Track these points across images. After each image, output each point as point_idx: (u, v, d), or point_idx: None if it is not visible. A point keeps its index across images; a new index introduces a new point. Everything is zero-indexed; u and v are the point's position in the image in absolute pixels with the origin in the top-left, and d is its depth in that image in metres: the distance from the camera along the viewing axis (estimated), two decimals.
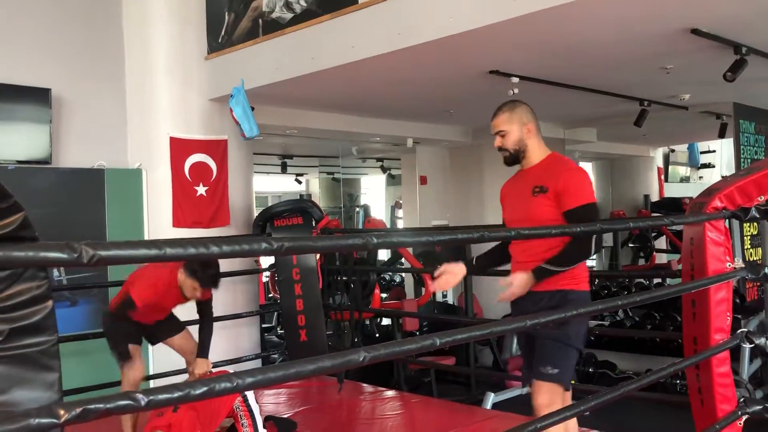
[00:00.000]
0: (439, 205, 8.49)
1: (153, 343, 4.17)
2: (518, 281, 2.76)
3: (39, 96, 5.10)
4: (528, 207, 2.90)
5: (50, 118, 5.14)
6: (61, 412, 1.10)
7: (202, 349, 3.88)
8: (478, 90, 5.60)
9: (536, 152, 2.97)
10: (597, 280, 8.53)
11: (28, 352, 1.15)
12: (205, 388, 1.31)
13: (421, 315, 6.36)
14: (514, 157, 3.00)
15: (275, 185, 13.80)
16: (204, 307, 3.93)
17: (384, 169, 11.58)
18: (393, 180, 12.83)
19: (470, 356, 6.67)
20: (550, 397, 2.75)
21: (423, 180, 8.36)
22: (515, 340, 7.50)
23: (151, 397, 1.23)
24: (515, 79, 5.10)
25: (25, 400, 1.16)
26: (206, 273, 3.60)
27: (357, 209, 12.82)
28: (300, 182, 14.17)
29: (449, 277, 2.88)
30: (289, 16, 4.92)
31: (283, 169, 11.13)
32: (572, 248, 2.73)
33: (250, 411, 3.65)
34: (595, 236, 2.75)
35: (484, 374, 5.89)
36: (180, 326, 4.03)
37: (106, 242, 1.22)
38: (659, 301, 7.53)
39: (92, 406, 1.15)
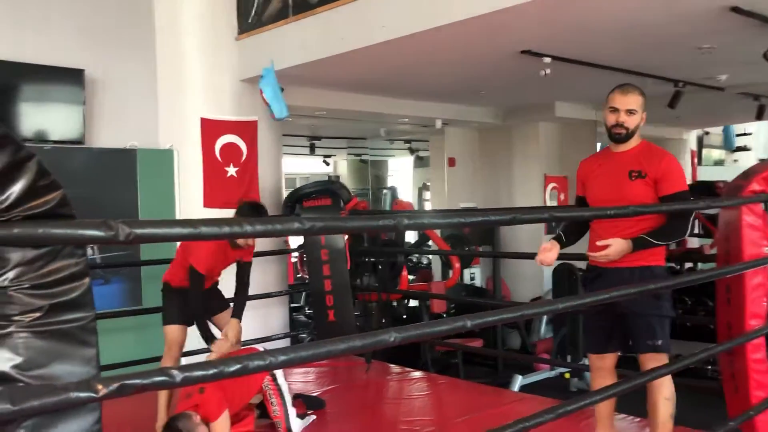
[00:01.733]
0: (468, 187, 8.45)
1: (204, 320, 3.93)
2: (617, 246, 2.88)
3: (73, 77, 5.16)
4: (623, 189, 2.99)
5: (83, 98, 5.20)
6: (99, 386, 1.12)
7: (237, 311, 3.91)
8: (510, 71, 5.54)
9: (636, 139, 3.07)
10: None
11: (67, 327, 1.16)
12: (238, 365, 1.33)
13: (448, 297, 6.36)
14: (628, 138, 3.04)
15: (303, 167, 13.85)
16: (244, 269, 3.98)
17: (412, 151, 11.55)
18: (420, 162, 12.80)
19: (498, 339, 6.66)
20: (658, 363, 2.89)
21: (451, 162, 8.32)
22: (544, 323, 7.49)
23: (186, 374, 1.25)
24: (547, 59, 5.03)
25: (65, 374, 1.18)
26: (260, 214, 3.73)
27: (384, 191, 12.82)
28: (328, 164, 14.18)
29: (549, 255, 2.99)
30: None
31: (312, 150, 11.15)
32: (673, 225, 2.91)
33: (279, 389, 3.69)
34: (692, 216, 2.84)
35: (512, 357, 5.88)
36: (227, 302, 4.08)
37: (142, 220, 1.23)
38: (690, 285, 7.45)
39: (129, 382, 1.17)
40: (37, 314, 1.12)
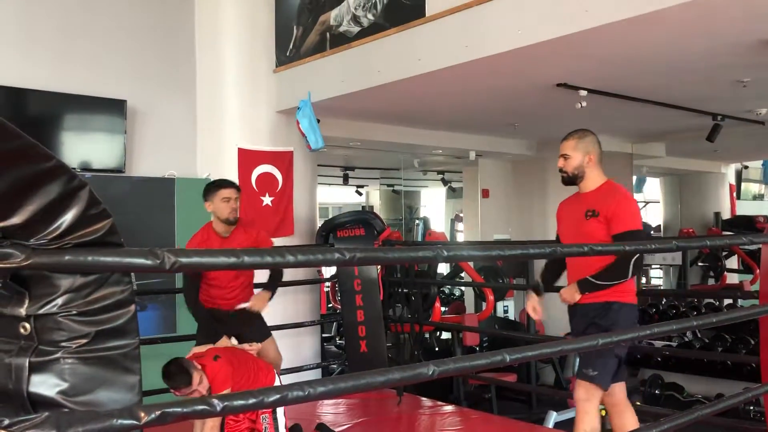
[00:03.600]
0: (501, 218, 8.41)
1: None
2: (565, 292, 3.32)
3: (115, 107, 5.31)
4: (581, 227, 3.22)
5: (125, 128, 5.33)
6: (142, 414, 1.13)
7: (269, 287, 3.97)
8: (545, 103, 5.53)
9: (594, 179, 3.31)
10: (664, 299, 8.27)
11: (112, 354, 1.18)
12: (278, 396, 1.33)
13: (482, 330, 6.29)
14: (571, 180, 3.35)
15: (336, 196, 13.96)
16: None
17: (445, 182, 11.55)
18: (453, 193, 12.78)
19: (531, 374, 6.54)
20: (586, 392, 3.17)
21: (485, 193, 8.30)
22: (578, 359, 7.34)
23: (226, 403, 1.25)
24: (583, 92, 5.02)
25: (108, 400, 1.19)
26: None
27: (417, 221, 12.81)
28: (360, 194, 14.26)
29: (535, 314, 3.54)
30: (356, 29, 4.97)
31: (345, 180, 11.22)
32: (612, 267, 3.09)
33: (275, 422, 3.66)
34: (635, 259, 3.07)
35: (546, 393, 5.77)
36: (267, 330, 4.19)
37: (188, 250, 1.25)
38: (732, 323, 7.27)
39: (170, 410, 1.18)
40: (84, 340, 1.14)
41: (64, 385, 1.13)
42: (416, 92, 5.18)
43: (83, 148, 5.25)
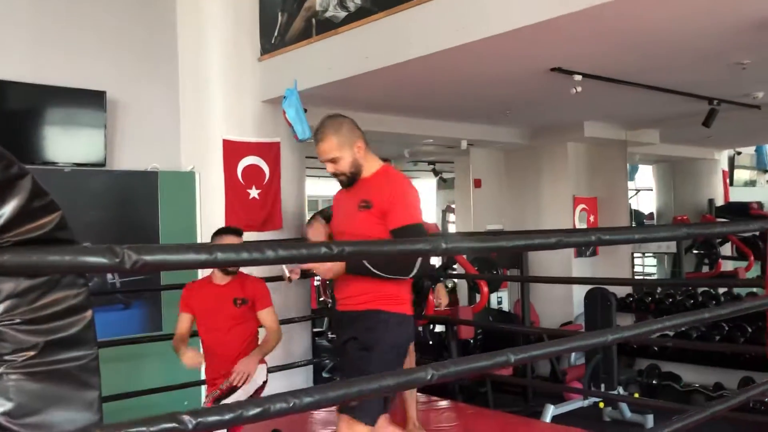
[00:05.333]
0: (494, 209, 8.27)
1: None
2: (330, 265, 2.63)
3: (94, 99, 5.11)
4: (353, 222, 2.77)
5: (105, 121, 5.14)
6: None
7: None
8: (539, 88, 5.38)
9: (370, 165, 2.86)
10: (660, 289, 8.18)
11: (65, 367, 1.03)
12: (259, 409, 1.17)
13: (478, 323, 6.16)
14: (353, 179, 2.84)
15: (325, 189, 13.80)
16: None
17: (436, 173, 11.40)
18: (444, 184, 12.63)
19: (527, 366, 6.41)
20: (348, 428, 2.54)
21: (477, 183, 8.15)
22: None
23: (199, 419, 1.10)
24: (578, 77, 4.87)
25: (62, 420, 1.04)
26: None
27: None
28: None
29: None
30: (342, 14, 4.80)
31: None
32: (401, 261, 2.58)
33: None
34: (421, 259, 2.60)
35: (544, 386, 5.65)
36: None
37: (152, 246, 1.09)
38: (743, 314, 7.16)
39: (134, 430, 1.02)
40: (31, 353, 0.99)
41: (9, 405, 0.97)
42: (407, 79, 5.02)
43: (61, 141, 5.06)
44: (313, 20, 5.07)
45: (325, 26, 4.93)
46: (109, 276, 5.03)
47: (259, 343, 3.68)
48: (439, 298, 3.98)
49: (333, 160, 2.79)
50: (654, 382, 6.66)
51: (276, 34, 5.45)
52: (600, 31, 4.02)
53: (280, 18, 5.41)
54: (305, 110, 5.21)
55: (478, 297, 6.50)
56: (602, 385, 5.64)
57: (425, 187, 14.15)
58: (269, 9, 5.52)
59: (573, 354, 7.18)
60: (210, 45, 5.61)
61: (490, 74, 4.97)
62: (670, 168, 10.90)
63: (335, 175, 2.84)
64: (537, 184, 8.09)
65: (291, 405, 1.20)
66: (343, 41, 4.80)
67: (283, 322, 5.13)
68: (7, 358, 0.98)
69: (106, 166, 5.18)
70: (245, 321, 3.63)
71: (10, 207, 0.94)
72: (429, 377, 1.37)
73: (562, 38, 4.12)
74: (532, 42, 4.13)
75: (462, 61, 4.48)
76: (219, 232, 3.72)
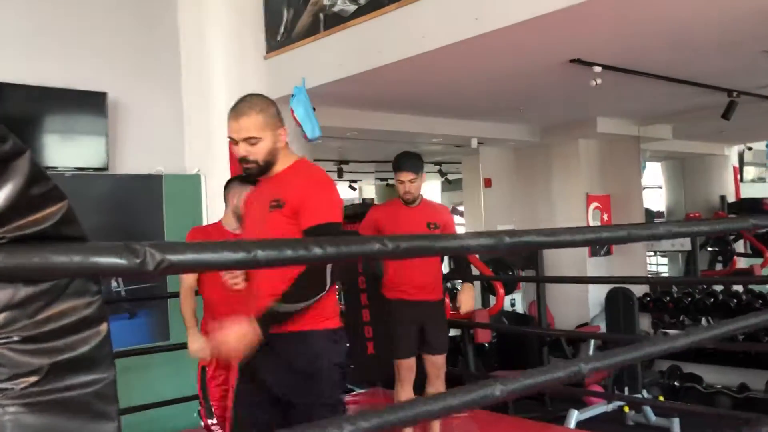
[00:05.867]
0: (505, 208, 8.07)
1: None
2: (232, 333, 2.14)
3: (95, 101, 4.93)
4: (262, 226, 2.38)
5: (106, 123, 4.96)
6: None
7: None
8: (556, 82, 5.19)
9: (285, 159, 2.45)
10: (675, 288, 7.98)
11: (76, 395, 0.83)
12: None
13: (497, 326, 5.96)
14: (263, 170, 2.41)
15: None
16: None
17: (442, 173, 11.21)
18: (449, 185, 12.44)
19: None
20: None
21: (487, 182, 7.96)
22: (591, 348, 7.04)
23: None
24: (597, 68, 4.68)
25: None
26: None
27: None
28: (354, 188, 13.89)
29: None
30: (352, 8, 4.62)
31: (339, 174, 10.86)
32: (302, 279, 2.21)
33: None
34: (332, 265, 2.23)
35: (565, 391, 5.43)
36: None
37: (179, 244, 0.89)
38: (747, 306, 6.96)
39: None
40: (33, 379, 0.79)
41: None
42: (418, 75, 4.83)
43: (62, 145, 4.87)
44: (321, 15, 4.88)
45: (334, 21, 4.75)
46: (113, 283, 4.84)
47: None
48: (461, 301, 3.80)
49: (250, 141, 2.33)
50: (676, 383, 6.45)
51: (282, 30, 5.26)
52: (622, 19, 3.83)
53: (285, 14, 5.23)
54: (314, 109, 5.01)
55: (492, 299, 6.30)
56: (626, 389, 5.44)
57: (429, 189, 13.97)
58: (274, 5, 5.33)
59: (591, 354, 6.98)
60: (213, 43, 5.42)
61: (506, 67, 4.78)
62: (679, 165, 10.70)
63: (245, 160, 2.36)
64: (548, 183, 7.90)
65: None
66: (353, 36, 4.61)
67: None
68: (3, 386, 0.78)
69: (108, 170, 4.98)
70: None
71: (3, 194, 0.74)
72: (497, 393, 1.18)
73: (584, 27, 3.94)
74: (552, 32, 3.94)
75: (478, 53, 4.29)
76: (239, 180, 3.52)
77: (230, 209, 3.52)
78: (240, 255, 0.93)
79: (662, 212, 10.96)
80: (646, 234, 1.53)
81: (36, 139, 4.71)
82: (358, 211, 5.38)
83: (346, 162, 10.76)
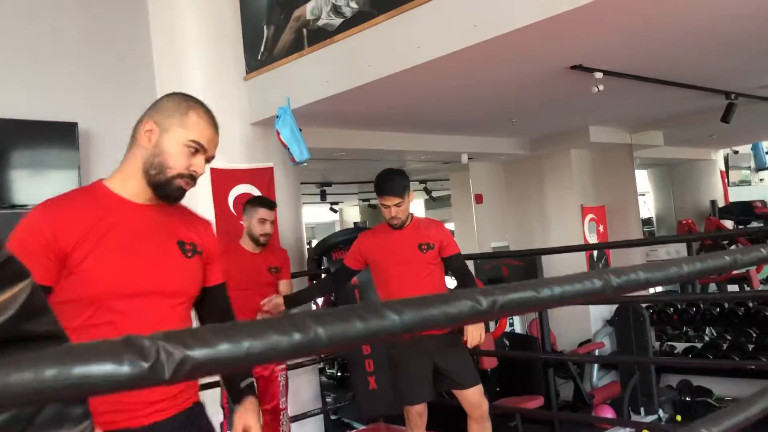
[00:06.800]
0: (498, 225, 7.82)
1: None
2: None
3: (65, 132, 4.58)
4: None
5: (78, 155, 4.61)
6: None
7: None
8: (553, 90, 4.97)
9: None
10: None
11: None
12: None
13: (501, 353, 5.64)
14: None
15: (310, 215, 13.31)
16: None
17: (427, 191, 10.96)
18: (434, 203, 12.20)
19: (551, 394, 5.86)
20: None
21: (478, 198, 7.70)
22: (596, 368, 6.77)
23: None
24: (599, 75, 4.46)
25: None
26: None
27: None
28: (335, 211, 13.59)
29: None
30: (338, 21, 4.35)
31: (323, 197, 10.57)
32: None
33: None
34: None
35: (584, 419, 5.11)
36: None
37: (206, 330, 0.59)
38: (754, 315, 6.75)
39: None
40: None
41: None
42: (409, 89, 4.56)
43: (30, 181, 4.51)
44: (305, 30, 4.60)
45: (319, 36, 4.47)
46: None
47: None
48: (468, 334, 3.46)
49: (210, 159, 1.86)
50: (688, 398, 6.19)
51: (262, 49, 4.97)
52: (627, 19, 3.61)
53: (266, 31, 4.95)
54: (300, 129, 4.72)
55: (492, 322, 6.01)
56: (642, 410, 5.17)
57: (413, 207, 13.71)
58: (253, 23, 5.05)
59: (596, 373, 6.72)
60: (189, 66, 5.11)
61: (503, 77, 4.54)
62: (667, 171, 10.57)
63: (192, 177, 1.82)
64: (541, 196, 7.67)
65: None
66: (340, 51, 4.34)
67: (292, 367, 4.61)
68: None
69: None
70: (273, 286, 3.98)
71: None
72: None
73: (588, 31, 3.71)
74: (555, 36, 3.70)
75: (475, 62, 4.04)
76: (253, 203, 3.97)
77: (245, 230, 3.95)
78: (297, 336, 0.63)
79: (650, 219, 10.82)
80: (754, 258, 1.26)
81: (1, 175, 4.35)
82: (352, 236, 5.06)
83: (329, 184, 10.47)
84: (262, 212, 3.87)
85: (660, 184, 10.75)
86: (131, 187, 1.78)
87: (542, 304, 0.80)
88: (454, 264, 3.72)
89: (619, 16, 3.52)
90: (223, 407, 3.56)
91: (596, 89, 4.47)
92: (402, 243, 3.60)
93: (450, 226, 9.95)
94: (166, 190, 1.77)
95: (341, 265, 3.81)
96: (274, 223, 3.96)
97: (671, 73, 4.99)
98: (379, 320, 0.71)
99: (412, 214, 3.71)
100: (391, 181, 3.56)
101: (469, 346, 3.55)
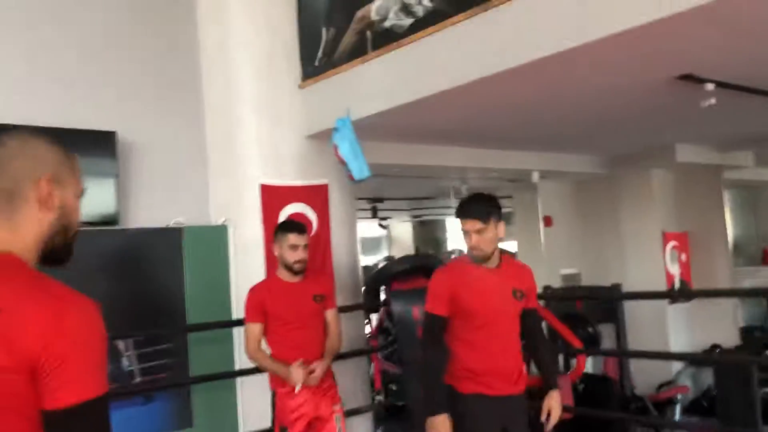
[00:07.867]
0: (569, 250, 7.15)
1: None
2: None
3: (103, 141, 4.16)
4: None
5: (117, 168, 4.18)
6: None
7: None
8: (652, 104, 4.34)
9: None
10: None
11: None
12: None
13: (582, 410, 4.95)
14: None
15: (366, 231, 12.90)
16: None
17: None
18: None
19: None
20: None
21: (548, 221, 7.07)
22: (677, 411, 6.08)
23: None
24: (710, 86, 3.81)
25: None
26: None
27: (453, 256, 11.58)
28: (384, 227, 13.11)
29: None
30: (407, 22, 3.82)
31: (374, 213, 10.05)
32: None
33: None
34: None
35: None
36: None
37: None
38: None
39: None
40: None
41: None
42: (485, 99, 3.99)
43: None
44: (368, 33, 4.10)
45: (385, 38, 3.96)
46: (125, 361, 4.03)
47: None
48: (550, 409, 2.91)
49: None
50: None
51: (320, 54, 4.49)
52: (751, 18, 2.98)
53: (324, 35, 4.46)
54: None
55: (572, 361, 5.37)
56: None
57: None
58: (311, 25, 4.58)
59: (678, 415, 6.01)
60: (240, 74, 4.65)
61: (596, 87, 3.94)
62: (750, 194, 9.74)
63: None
64: (616, 220, 6.99)
65: None
66: (409, 55, 3.81)
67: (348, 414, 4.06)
68: None
69: (119, 224, 4.19)
70: (321, 316, 3.63)
71: None
72: None
73: (700, 36, 3.07)
74: (665, 40, 3.08)
75: (569, 69, 3.45)
76: (281, 229, 3.61)
77: (278, 260, 3.58)
78: None
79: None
80: None
81: None
82: (415, 264, 4.51)
83: (381, 200, 9.96)
84: (293, 238, 3.50)
85: (740, 207, 9.92)
86: None
87: None
88: (531, 321, 3.10)
89: (736, 17, 2.90)
90: (272, 390, 3.56)
91: (707, 103, 3.82)
92: (493, 284, 2.94)
93: (507, 245, 9.31)
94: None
95: (427, 316, 3.06)
96: (307, 248, 3.54)
97: None
98: None
99: (500, 250, 3.02)
100: (473, 202, 2.99)
101: (551, 423, 2.95)
